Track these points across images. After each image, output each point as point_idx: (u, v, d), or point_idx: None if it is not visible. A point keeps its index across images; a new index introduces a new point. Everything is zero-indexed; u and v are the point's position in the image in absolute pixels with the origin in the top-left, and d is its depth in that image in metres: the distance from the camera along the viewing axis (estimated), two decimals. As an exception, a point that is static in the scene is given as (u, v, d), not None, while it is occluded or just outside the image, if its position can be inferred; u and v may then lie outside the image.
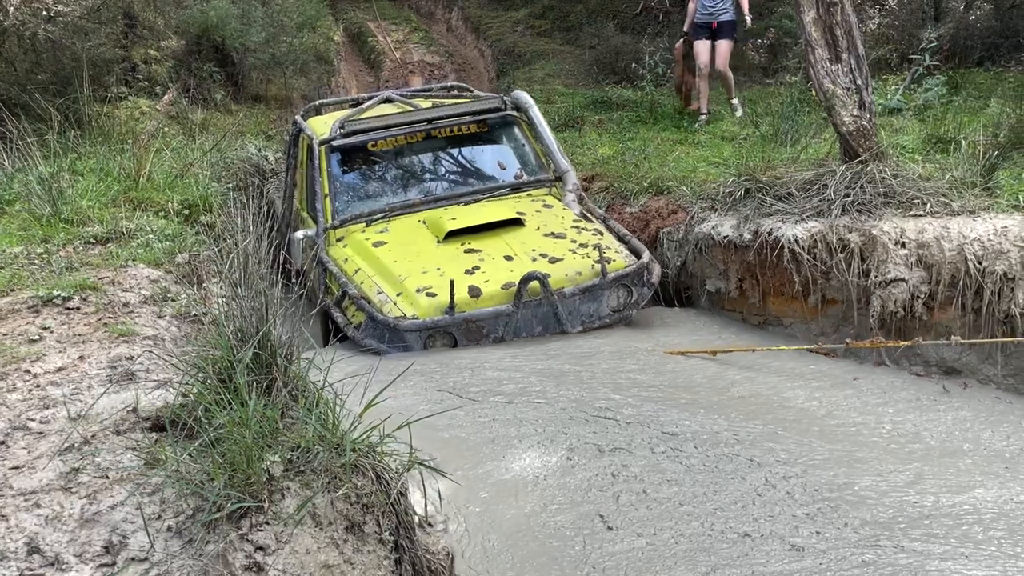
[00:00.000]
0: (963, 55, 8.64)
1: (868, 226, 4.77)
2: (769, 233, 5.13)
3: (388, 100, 7.08)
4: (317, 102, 7.49)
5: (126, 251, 4.22)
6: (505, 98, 6.67)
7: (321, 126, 6.48)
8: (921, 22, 9.04)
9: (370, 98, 7.15)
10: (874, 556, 2.63)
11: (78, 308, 3.44)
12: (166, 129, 7.51)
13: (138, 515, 1.88)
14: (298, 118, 6.80)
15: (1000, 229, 4.38)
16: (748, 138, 7.41)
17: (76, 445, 2.19)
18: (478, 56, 14.31)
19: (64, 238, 4.28)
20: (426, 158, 6.46)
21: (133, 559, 1.79)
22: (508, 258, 5.28)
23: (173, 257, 4.31)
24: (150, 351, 2.87)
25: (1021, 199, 4.59)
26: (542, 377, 4.18)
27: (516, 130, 6.57)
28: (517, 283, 4.95)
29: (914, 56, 8.10)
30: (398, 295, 5.08)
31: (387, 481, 2.03)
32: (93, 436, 2.24)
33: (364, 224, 5.81)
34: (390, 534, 2.00)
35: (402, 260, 5.32)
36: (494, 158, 6.54)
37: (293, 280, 5.63)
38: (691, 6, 8.58)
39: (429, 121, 6.35)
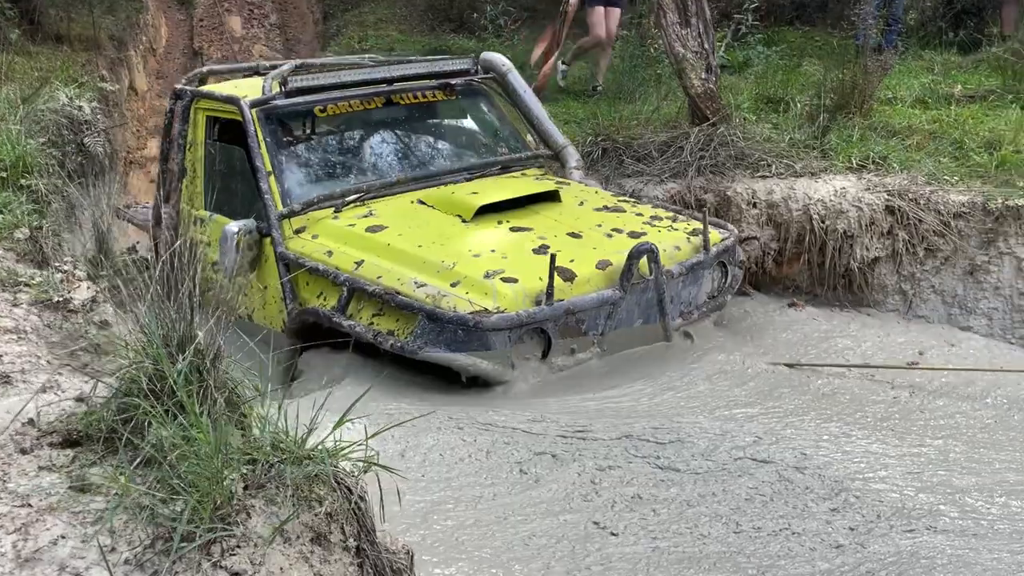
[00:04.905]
0: (777, 15, 9.25)
1: (722, 187, 5.09)
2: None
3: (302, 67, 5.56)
4: (205, 68, 6.17)
5: (-56, 227, 3.74)
6: (476, 61, 5.62)
7: (233, 90, 5.23)
8: (740, -19, 9.55)
9: (273, 67, 5.56)
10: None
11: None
12: (-45, 75, 6.62)
13: (86, 548, 1.73)
14: (186, 86, 5.45)
15: (839, 190, 4.82)
16: (596, 93, 7.59)
17: (-22, 471, 1.96)
18: (301, -5, 13.58)
19: None
20: (387, 129, 5.39)
21: (92, 598, 1.65)
22: (574, 235, 4.35)
23: (11, 232, 3.86)
24: (35, 349, 2.59)
25: (853, 160, 5.06)
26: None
27: (488, 99, 5.68)
28: (627, 259, 4.01)
29: (737, 16, 8.57)
30: (453, 285, 4.01)
31: (347, 487, 1.98)
32: (-5, 458, 2.01)
33: (333, 210, 4.67)
34: (353, 540, 1.97)
35: (429, 244, 4.27)
36: (470, 131, 5.61)
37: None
38: None
39: (390, 82, 5.23)
